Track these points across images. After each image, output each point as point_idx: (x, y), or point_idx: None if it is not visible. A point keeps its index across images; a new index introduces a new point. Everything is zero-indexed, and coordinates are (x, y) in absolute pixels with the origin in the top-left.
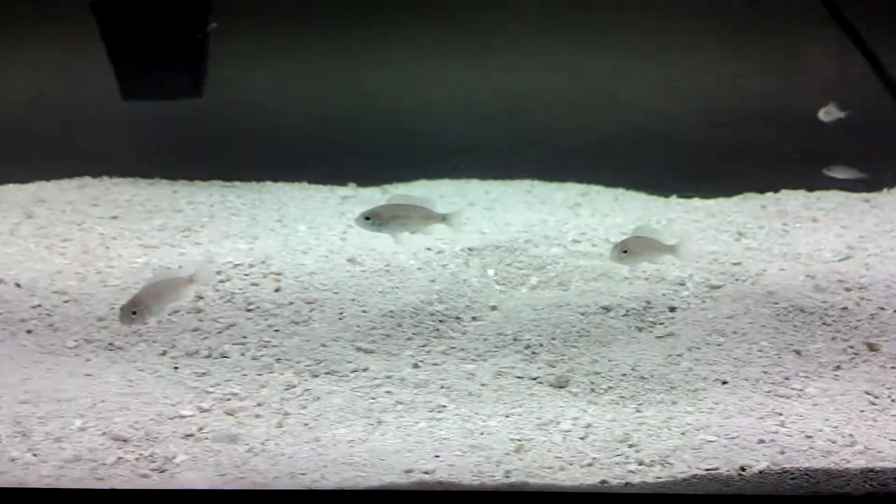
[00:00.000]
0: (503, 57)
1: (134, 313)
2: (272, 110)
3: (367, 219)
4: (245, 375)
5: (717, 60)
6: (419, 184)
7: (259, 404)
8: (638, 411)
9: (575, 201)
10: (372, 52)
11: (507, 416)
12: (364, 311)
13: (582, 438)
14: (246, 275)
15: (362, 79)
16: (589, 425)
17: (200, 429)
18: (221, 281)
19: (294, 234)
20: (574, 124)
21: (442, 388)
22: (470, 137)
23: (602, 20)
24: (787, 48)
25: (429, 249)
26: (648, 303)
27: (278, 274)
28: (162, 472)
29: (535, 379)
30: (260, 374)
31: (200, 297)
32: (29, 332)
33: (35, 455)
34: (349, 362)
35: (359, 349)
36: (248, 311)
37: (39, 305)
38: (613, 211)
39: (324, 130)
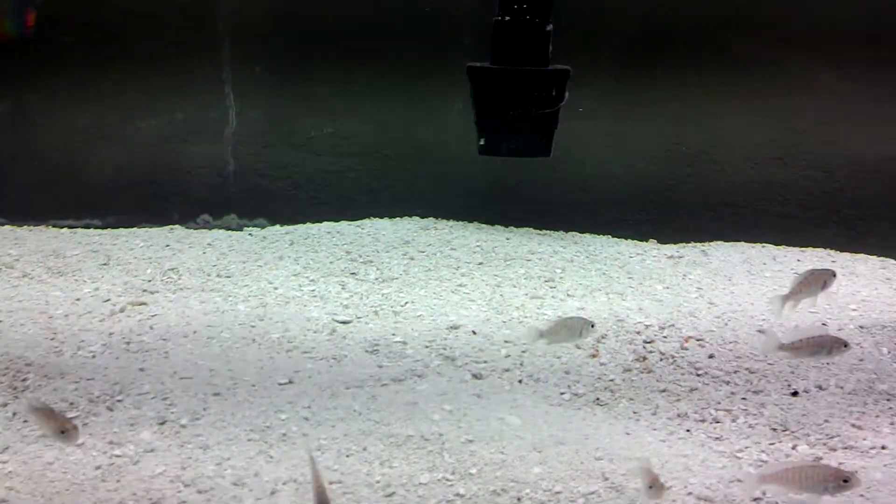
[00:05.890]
0: None
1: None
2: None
3: None
4: (758, 443)
5: None
6: (717, 245)
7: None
8: None
9: (885, 275)
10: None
11: None
12: (819, 388)
13: None
14: (665, 337)
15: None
16: None
17: (763, 492)
18: (647, 342)
19: (662, 295)
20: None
21: None
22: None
23: None
24: None
25: (824, 325)
26: None
27: (699, 339)
28: None
29: None
30: (773, 444)
31: (644, 358)
32: (520, 381)
33: None
34: (864, 440)
35: (853, 426)
36: (699, 375)
37: (509, 355)
38: None
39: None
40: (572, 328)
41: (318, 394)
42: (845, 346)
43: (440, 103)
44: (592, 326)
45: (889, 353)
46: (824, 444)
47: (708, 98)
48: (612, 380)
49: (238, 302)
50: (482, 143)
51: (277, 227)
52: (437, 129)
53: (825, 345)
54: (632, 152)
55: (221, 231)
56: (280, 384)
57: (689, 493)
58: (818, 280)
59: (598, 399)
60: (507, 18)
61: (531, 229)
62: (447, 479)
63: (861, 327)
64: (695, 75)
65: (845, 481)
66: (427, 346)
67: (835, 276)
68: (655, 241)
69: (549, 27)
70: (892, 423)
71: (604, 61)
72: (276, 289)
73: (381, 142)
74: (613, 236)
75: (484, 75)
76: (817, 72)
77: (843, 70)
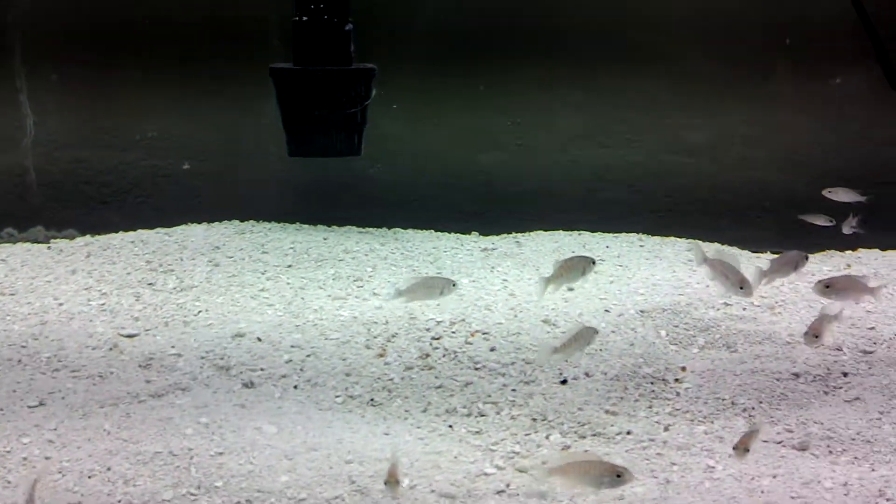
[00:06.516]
0: None
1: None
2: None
3: None
4: (515, 434)
5: None
6: (536, 235)
7: (544, 463)
8: (873, 470)
9: (688, 257)
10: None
11: (775, 477)
12: (587, 375)
13: (845, 495)
14: (453, 332)
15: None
16: (846, 483)
17: (507, 485)
18: (435, 338)
19: (465, 289)
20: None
21: (704, 450)
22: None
23: None
24: None
25: (607, 312)
26: (828, 370)
27: (485, 333)
28: None
29: (779, 443)
30: (528, 434)
31: (428, 355)
32: (295, 387)
33: None
34: (612, 426)
35: (607, 412)
36: (477, 369)
37: (290, 360)
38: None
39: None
40: (432, 287)
41: (69, 415)
42: (595, 332)
43: (258, 104)
44: (454, 286)
45: (667, 335)
46: (575, 433)
47: (526, 87)
48: (391, 379)
49: (15, 321)
50: (290, 144)
51: (87, 237)
52: (257, 130)
53: (582, 337)
54: (452, 145)
55: (22, 245)
56: (30, 407)
57: (433, 491)
58: (578, 265)
59: (372, 400)
60: (305, 19)
61: (353, 228)
62: (191, 494)
63: (641, 311)
64: (511, 65)
65: (618, 476)
66: (203, 357)
67: (594, 262)
68: (477, 233)
69: (349, 26)
70: (650, 407)
71: (416, 57)
72: (60, 305)
73: (200, 145)
74: (436, 231)
75: (286, 77)
76: (635, 62)
77: (661, 61)
